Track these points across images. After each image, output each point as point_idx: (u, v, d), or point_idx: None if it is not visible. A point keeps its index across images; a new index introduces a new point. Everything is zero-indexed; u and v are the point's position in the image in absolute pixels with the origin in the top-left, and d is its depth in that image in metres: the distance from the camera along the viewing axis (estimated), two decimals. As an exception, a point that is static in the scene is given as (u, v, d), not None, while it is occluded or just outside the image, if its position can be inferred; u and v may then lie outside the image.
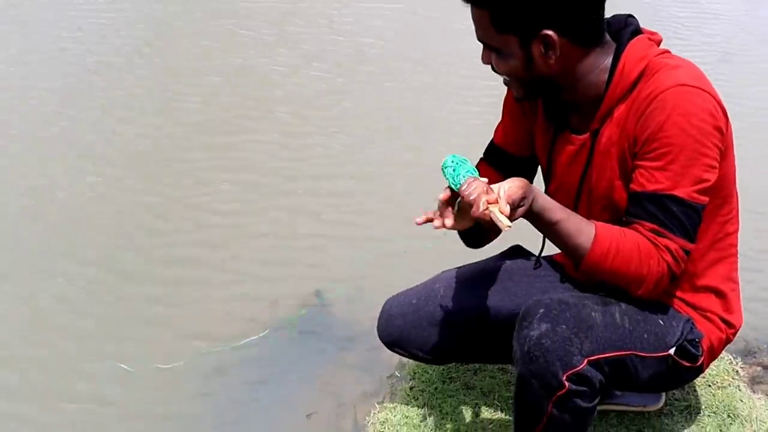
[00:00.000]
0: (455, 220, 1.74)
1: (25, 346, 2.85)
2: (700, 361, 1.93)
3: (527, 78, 1.82)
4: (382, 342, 2.25)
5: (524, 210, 1.70)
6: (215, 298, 3.10)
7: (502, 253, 2.34)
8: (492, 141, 2.17)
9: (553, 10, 1.71)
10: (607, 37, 1.84)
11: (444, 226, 1.73)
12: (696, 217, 1.76)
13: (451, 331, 2.16)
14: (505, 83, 1.91)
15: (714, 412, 2.42)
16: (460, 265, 2.29)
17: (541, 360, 1.72)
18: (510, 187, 1.67)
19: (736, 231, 2.00)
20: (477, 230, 1.93)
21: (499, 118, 2.15)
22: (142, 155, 4.13)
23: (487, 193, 1.63)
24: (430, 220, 1.74)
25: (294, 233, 3.52)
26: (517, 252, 2.33)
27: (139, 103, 4.70)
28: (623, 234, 1.76)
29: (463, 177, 1.70)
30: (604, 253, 1.74)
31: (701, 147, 1.72)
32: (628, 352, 1.81)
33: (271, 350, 2.85)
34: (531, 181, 1.98)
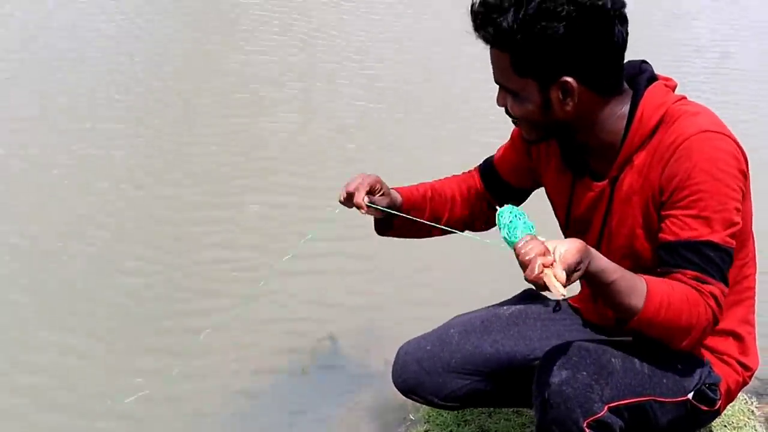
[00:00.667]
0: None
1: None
2: (717, 405, 1.94)
3: (542, 122, 1.84)
4: (398, 389, 2.25)
5: (579, 274, 1.61)
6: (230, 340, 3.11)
7: (516, 296, 2.36)
8: (492, 158, 2.22)
9: (574, 58, 1.74)
10: (625, 84, 1.87)
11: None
12: (729, 261, 1.78)
13: (466, 378, 2.17)
14: (515, 124, 1.94)
15: (731, 453, 2.43)
16: (474, 309, 2.31)
17: (561, 407, 1.74)
18: (567, 250, 1.57)
19: (753, 274, 2.02)
20: (386, 220, 2.09)
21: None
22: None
23: (543, 255, 1.54)
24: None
25: (305, 273, 3.54)
26: (531, 296, 2.35)
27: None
28: (671, 286, 1.72)
29: (521, 233, 1.62)
30: (656, 309, 1.71)
31: (729, 191, 1.75)
32: (648, 398, 1.82)
33: (281, 393, 2.87)
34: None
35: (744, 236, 1.92)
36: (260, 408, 2.78)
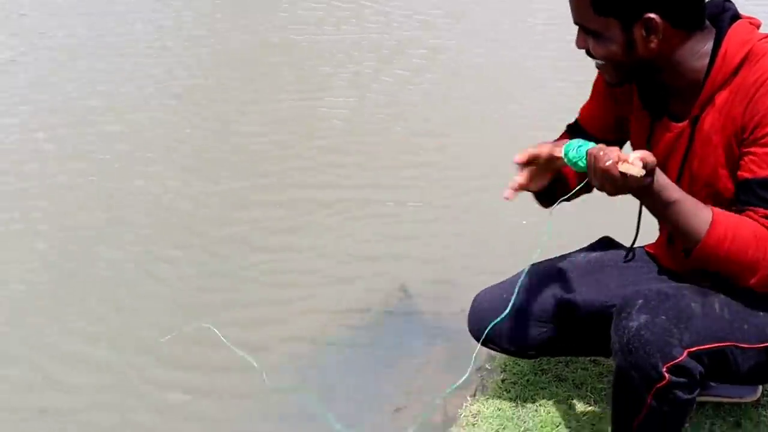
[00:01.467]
0: (532, 180, 1.88)
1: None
2: None
3: (626, 62, 1.83)
4: (473, 337, 2.29)
5: (649, 180, 1.68)
6: (303, 295, 3.20)
7: (591, 244, 2.36)
8: (576, 119, 2.20)
9: None
10: (707, 21, 1.83)
11: (518, 185, 1.87)
12: None
13: (542, 326, 2.20)
14: (598, 67, 1.92)
15: (814, 403, 2.40)
16: (550, 257, 2.32)
17: (640, 352, 1.75)
18: (644, 152, 1.67)
19: None
20: (549, 189, 1.99)
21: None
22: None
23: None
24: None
25: (377, 226, 3.59)
26: (606, 244, 2.35)
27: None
28: (740, 220, 1.73)
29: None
30: (720, 239, 1.72)
31: None
32: (728, 344, 1.81)
33: (358, 345, 2.94)
34: None
35: None
36: (335, 362, 2.86)
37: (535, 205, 2.11)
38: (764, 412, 2.39)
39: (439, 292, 3.17)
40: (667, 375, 1.74)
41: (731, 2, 1.88)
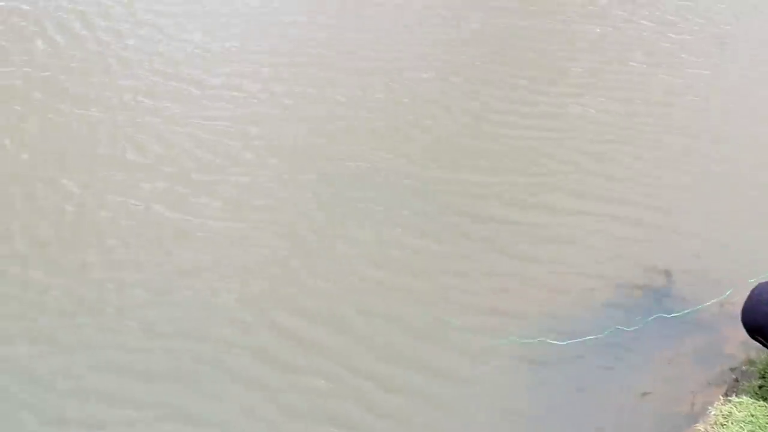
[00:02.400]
0: None
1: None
2: None
3: None
4: (744, 326, 2.31)
5: None
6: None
7: None
8: None
9: None
10: None
11: None
12: None
13: None
14: None
15: None
16: None
17: None
18: None
19: None
20: None
21: None
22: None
23: None
24: None
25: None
26: None
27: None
28: None
29: None
30: None
31: None
32: None
33: (612, 321, 3.01)
34: None
35: None
36: (579, 341, 2.94)
37: None
38: None
39: (701, 278, 3.15)
40: None
41: None
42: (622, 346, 2.91)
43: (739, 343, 2.51)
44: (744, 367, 2.70)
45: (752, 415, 2.51)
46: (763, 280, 2.31)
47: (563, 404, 2.73)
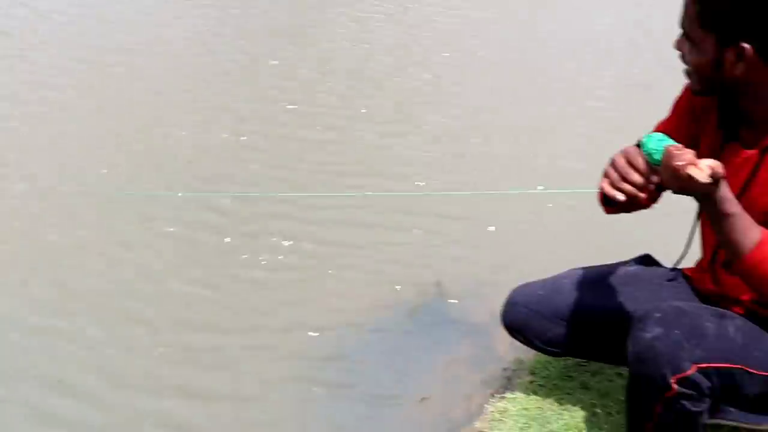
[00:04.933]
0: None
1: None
2: None
3: (711, 77, 2.01)
4: (504, 326, 2.52)
5: (713, 188, 1.82)
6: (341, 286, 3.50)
7: (632, 259, 2.55)
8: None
9: (758, 28, 1.89)
10: None
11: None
12: None
13: (571, 326, 2.40)
14: (686, 73, 2.08)
15: (834, 436, 2.54)
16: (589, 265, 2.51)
17: (651, 362, 1.94)
18: (716, 162, 1.81)
19: None
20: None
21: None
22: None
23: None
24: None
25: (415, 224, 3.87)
26: (646, 261, 2.53)
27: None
28: None
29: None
30: (762, 259, 1.88)
31: None
32: (738, 366, 1.99)
33: (385, 344, 3.18)
34: None
35: None
36: (363, 359, 3.11)
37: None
38: (782, 442, 2.54)
39: (472, 289, 3.41)
40: (675, 386, 1.93)
41: None
42: (399, 353, 3.08)
43: (509, 344, 2.70)
44: (513, 366, 2.92)
45: (525, 409, 2.73)
46: (522, 282, 2.53)
47: (346, 416, 2.83)
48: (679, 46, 2.03)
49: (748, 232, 1.89)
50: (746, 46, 1.90)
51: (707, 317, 2.02)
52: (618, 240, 3.31)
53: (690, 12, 1.96)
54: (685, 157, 1.81)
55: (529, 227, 3.89)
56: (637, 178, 1.88)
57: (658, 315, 1.99)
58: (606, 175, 1.93)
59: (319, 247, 3.73)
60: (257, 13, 7.01)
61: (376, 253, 3.67)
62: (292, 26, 6.75)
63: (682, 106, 2.28)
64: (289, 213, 3.97)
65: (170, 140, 4.60)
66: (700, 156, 2.16)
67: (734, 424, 2.54)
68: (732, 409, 2.47)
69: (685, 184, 1.83)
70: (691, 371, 1.93)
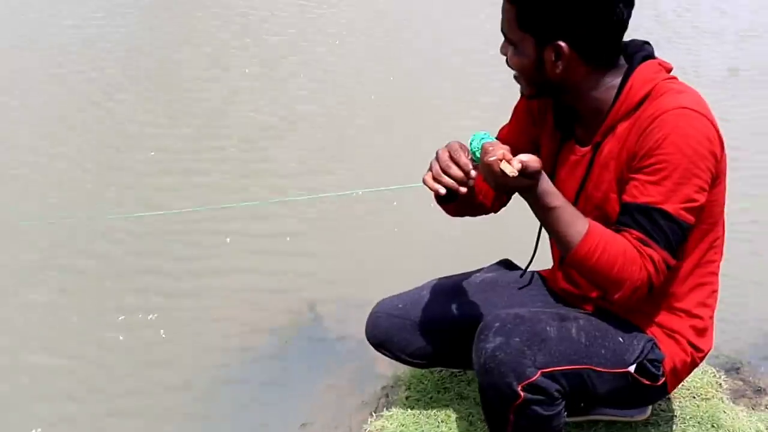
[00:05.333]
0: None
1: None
2: (661, 381, 2.14)
3: (536, 79, 2.06)
4: (369, 342, 2.53)
5: (531, 183, 1.87)
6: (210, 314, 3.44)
7: (490, 265, 2.59)
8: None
9: (572, 25, 1.95)
10: (622, 60, 2.06)
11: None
12: (681, 234, 1.96)
13: (431, 337, 2.43)
14: (515, 78, 2.13)
15: (698, 422, 2.64)
16: (449, 274, 2.53)
17: (495, 372, 1.96)
18: (530, 157, 1.85)
19: (719, 260, 2.20)
20: (462, 199, 2.09)
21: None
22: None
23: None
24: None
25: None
26: (505, 265, 2.57)
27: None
28: (613, 236, 1.92)
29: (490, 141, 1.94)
30: (591, 250, 1.92)
31: (695, 168, 1.93)
32: (584, 366, 2.03)
33: (260, 367, 3.17)
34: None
35: (713, 220, 2.10)
36: (238, 384, 3.08)
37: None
38: (653, 430, 2.60)
39: (347, 311, 3.41)
40: (522, 393, 1.95)
41: (650, 45, 2.10)
42: (277, 384, 3.06)
43: (388, 362, 2.67)
44: (392, 384, 2.93)
45: (402, 424, 2.74)
46: (386, 297, 2.53)
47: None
48: (503, 50, 2.08)
49: (575, 224, 1.93)
50: (562, 44, 1.95)
51: (548, 321, 2.05)
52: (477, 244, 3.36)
53: (508, 15, 2.00)
54: (496, 152, 1.85)
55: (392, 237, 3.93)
56: (456, 171, 1.92)
57: (497, 324, 2.01)
58: (429, 169, 1.97)
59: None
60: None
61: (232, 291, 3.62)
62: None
63: (520, 110, 2.33)
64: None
65: None
66: (541, 157, 2.22)
67: (609, 419, 2.61)
68: (604, 408, 2.55)
69: (500, 180, 1.87)
70: (536, 377, 1.95)
